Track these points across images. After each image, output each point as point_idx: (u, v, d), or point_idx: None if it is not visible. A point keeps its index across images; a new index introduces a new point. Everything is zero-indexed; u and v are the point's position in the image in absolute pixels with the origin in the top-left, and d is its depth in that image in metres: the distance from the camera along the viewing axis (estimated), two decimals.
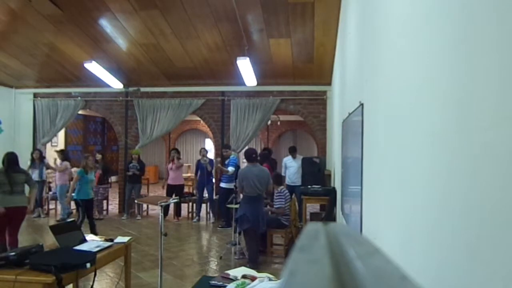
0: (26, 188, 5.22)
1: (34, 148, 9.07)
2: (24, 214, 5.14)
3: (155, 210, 8.78)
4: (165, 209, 7.49)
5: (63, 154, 8.77)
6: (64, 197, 8.03)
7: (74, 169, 8.40)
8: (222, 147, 8.03)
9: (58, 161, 8.57)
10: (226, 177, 7.58)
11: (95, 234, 5.95)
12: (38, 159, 8.33)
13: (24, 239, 6.52)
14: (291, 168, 8.03)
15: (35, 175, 7.80)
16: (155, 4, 5.47)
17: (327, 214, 5.96)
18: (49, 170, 10.03)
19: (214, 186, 8.38)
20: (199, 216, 8.34)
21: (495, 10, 0.70)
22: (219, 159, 8.07)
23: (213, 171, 8.27)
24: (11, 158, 5.16)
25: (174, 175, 8.45)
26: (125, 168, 8.68)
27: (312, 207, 8.07)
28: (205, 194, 8.30)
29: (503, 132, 0.65)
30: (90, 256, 2.97)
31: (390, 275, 0.29)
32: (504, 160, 0.65)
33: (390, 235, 1.60)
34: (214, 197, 8.34)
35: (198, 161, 8.44)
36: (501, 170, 0.66)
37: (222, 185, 7.62)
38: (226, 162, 7.70)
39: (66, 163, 8.51)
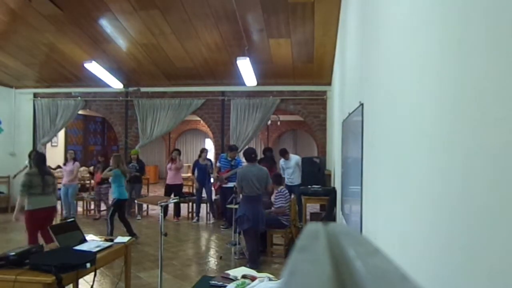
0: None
1: (38, 148, 9.09)
2: (54, 213, 5.13)
3: (155, 210, 8.78)
4: (165, 209, 7.50)
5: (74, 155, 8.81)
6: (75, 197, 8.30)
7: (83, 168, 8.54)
8: (228, 148, 7.98)
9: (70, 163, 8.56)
10: (235, 177, 7.44)
11: (133, 234, 5.97)
12: None
13: (24, 238, 6.52)
14: (288, 169, 7.99)
15: None
16: (155, 4, 5.47)
17: (327, 214, 5.96)
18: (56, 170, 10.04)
19: (212, 186, 8.36)
20: (198, 216, 8.33)
21: (494, 12, 0.70)
22: (216, 173, 7.95)
23: (213, 173, 8.27)
24: (42, 158, 5.10)
25: (173, 175, 8.46)
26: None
27: (312, 207, 8.07)
28: (204, 195, 8.28)
29: (501, 133, 0.65)
30: (90, 256, 2.96)
31: (390, 275, 0.29)
32: (501, 161, 0.65)
33: (390, 235, 1.60)
34: (215, 197, 8.33)
35: (196, 161, 8.42)
36: (499, 171, 0.66)
37: (229, 185, 7.49)
38: (233, 163, 7.69)
39: (77, 164, 8.60)
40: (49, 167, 10.31)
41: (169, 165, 8.56)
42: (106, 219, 6.48)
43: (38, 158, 5.10)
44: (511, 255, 0.62)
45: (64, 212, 8.53)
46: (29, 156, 8.44)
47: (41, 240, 4.69)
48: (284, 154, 8.00)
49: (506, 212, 0.64)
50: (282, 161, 8.08)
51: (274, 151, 8.96)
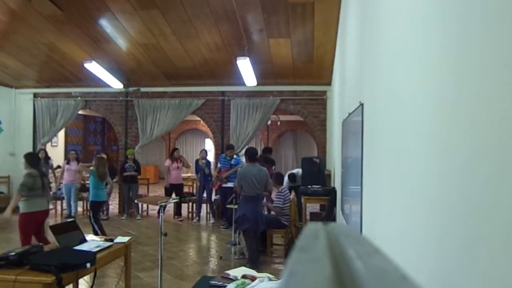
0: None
1: (39, 148, 9.11)
2: (46, 217, 4.90)
3: (155, 210, 8.77)
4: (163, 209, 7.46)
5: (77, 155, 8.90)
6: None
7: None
8: (226, 148, 8.01)
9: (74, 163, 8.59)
10: (234, 177, 7.46)
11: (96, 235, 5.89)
12: (44, 159, 8.37)
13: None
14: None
15: None
16: (155, 4, 5.47)
17: (327, 214, 5.96)
18: (49, 170, 10.08)
19: (212, 187, 8.35)
20: (199, 216, 8.33)
21: (494, 11, 0.70)
22: (216, 173, 7.95)
23: (212, 173, 8.26)
24: (37, 158, 4.85)
25: (176, 175, 8.46)
26: (122, 168, 8.66)
27: (312, 207, 8.07)
28: (204, 195, 8.28)
29: (500, 134, 0.65)
30: (90, 256, 2.96)
31: (390, 275, 0.29)
32: (500, 161, 0.65)
33: (390, 235, 1.60)
34: (214, 197, 8.33)
35: (197, 161, 8.44)
36: (498, 171, 0.66)
37: (229, 185, 7.53)
38: (232, 162, 7.71)
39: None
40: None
41: (174, 165, 8.52)
42: (90, 223, 6.31)
43: (33, 158, 4.82)
44: (510, 254, 0.62)
45: (66, 211, 8.56)
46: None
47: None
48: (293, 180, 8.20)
49: (505, 211, 0.64)
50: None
51: (273, 151, 9.00)
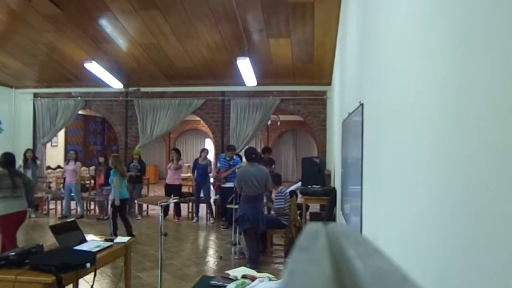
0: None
1: (38, 148, 9.13)
2: (24, 218, 4.81)
3: (155, 210, 8.77)
4: (165, 209, 7.52)
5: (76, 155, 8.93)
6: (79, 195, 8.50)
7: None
8: (227, 148, 8.00)
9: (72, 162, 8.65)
10: (233, 177, 7.46)
11: (132, 235, 5.95)
12: (31, 159, 8.40)
13: (24, 239, 6.52)
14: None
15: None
16: (155, 4, 5.47)
17: (327, 214, 5.96)
18: (49, 170, 10.08)
19: (212, 187, 8.34)
20: (198, 216, 8.33)
21: (495, 11, 0.70)
22: (215, 173, 7.95)
23: (211, 173, 8.26)
24: (11, 159, 4.83)
25: (172, 175, 8.47)
26: (126, 168, 8.68)
27: (312, 207, 8.06)
28: (201, 195, 8.26)
29: (502, 134, 0.65)
30: (90, 256, 2.96)
31: (390, 275, 0.29)
32: (501, 161, 0.65)
33: (390, 235, 1.60)
34: (214, 197, 8.33)
35: (196, 160, 8.42)
36: (498, 170, 0.66)
37: (228, 185, 7.52)
38: (231, 163, 7.70)
39: (79, 164, 8.76)
40: (49, 167, 10.35)
41: (169, 165, 8.63)
42: (109, 218, 6.56)
43: (5, 159, 4.73)
44: None
45: (64, 211, 8.57)
46: (24, 154, 8.47)
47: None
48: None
49: (508, 212, 0.63)
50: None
51: (272, 151, 8.99)
